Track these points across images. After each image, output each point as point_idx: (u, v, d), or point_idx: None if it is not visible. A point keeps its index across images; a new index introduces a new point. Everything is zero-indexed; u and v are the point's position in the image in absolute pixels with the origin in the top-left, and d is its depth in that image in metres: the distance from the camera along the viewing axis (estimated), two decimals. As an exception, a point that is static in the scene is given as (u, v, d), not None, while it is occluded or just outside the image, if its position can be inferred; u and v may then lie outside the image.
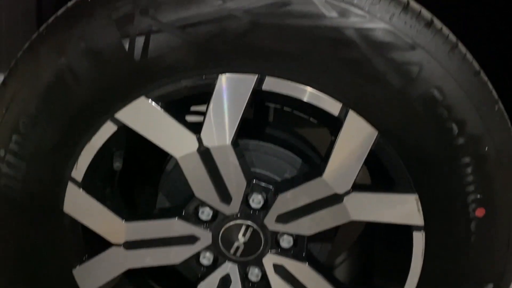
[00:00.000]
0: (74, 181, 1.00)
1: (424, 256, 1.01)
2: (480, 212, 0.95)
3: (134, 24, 0.86)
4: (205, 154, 0.97)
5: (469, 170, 0.92)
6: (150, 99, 0.94)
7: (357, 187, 0.99)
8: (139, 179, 1.24)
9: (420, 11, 0.87)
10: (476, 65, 0.91)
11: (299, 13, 0.85)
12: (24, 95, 0.94)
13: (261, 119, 1.22)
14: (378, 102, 0.90)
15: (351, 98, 0.90)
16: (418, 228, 0.99)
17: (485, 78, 0.91)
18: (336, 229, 1.19)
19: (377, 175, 1.07)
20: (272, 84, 0.92)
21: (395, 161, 0.95)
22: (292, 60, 0.88)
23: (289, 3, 0.84)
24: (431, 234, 0.99)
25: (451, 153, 0.92)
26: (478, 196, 0.94)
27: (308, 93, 0.92)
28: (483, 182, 0.94)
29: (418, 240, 1.00)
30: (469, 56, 0.90)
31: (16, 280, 1.09)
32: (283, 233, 1.05)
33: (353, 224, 1.21)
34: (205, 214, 1.05)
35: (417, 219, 0.98)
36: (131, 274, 1.20)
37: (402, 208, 0.98)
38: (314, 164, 1.11)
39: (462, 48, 0.89)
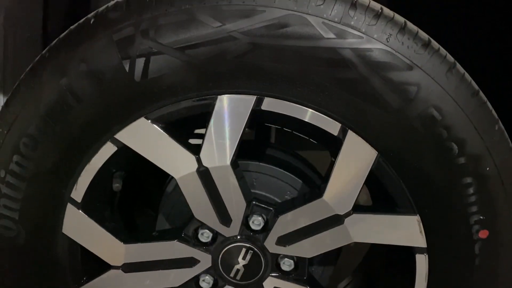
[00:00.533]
0: (74, 202, 1.00)
1: (428, 279, 0.99)
2: (483, 234, 0.93)
3: (134, 46, 0.88)
4: (204, 174, 0.97)
5: (471, 190, 0.91)
6: (150, 120, 0.94)
7: (358, 208, 0.98)
8: (139, 200, 1.23)
9: (417, 32, 0.88)
10: (474, 85, 0.91)
11: (297, 35, 0.86)
12: (25, 116, 0.95)
13: (262, 141, 1.22)
14: (376, 122, 0.90)
15: (350, 118, 0.90)
16: (420, 250, 0.98)
17: (484, 98, 0.91)
18: (338, 252, 1.17)
19: (378, 196, 1.06)
20: (271, 104, 0.92)
21: (396, 182, 0.94)
22: (291, 81, 0.89)
23: (287, 25, 0.86)
24: (435, 257, 0.97)
25: (452, 173, 0.91)
26: (481, 217, 0.93)
27: (307, 113, 0.92)
28: (486, 202, 0.92)
29: (421, 262, 0.98)
30: (467, 76, 0.90)
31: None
32: (284, 256, 1.04)
33: (356, 248, 1.19)
34: (205, 236, 1.04)
35: (420, 241, 0.97)
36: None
37: (404, 230, 0.97)
38: (315, 185, 1.10)
39: (460, 68, 0.90)
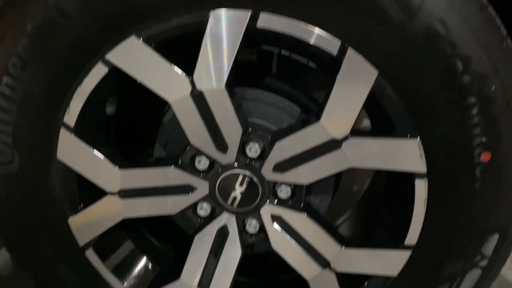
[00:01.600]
0: (67, 126, 0.98)
1: (427, 205, 0.97)
2: (485, 157, 0.90)
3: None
4: (198, 98, 0.94)
5: (474, 111, 0.88)
6: (141, 39, 0.91)
7: (356, 132, 0.95)
8: (135, 129, 1.22)
9: None
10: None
11: None
12: (12, 36, 0.92)
13: (261, 68, 1.17)
14: (378, 38, 0.85)
15: (350, 34, 0.86)
16: (420, 175, 0.95)
17: (493, 13, 0.86)
18: (336, 183, 1.16)
19: (377, 120, 1.03)
20: (266, 21, 0.88)
21: (396, 104, 0.91)
22: (287, -6, 0.84)
23: None
24: (434, 182, 0.95)
25: (455, 92, 0.87)
26: (484, 139, 0.89)
27: (304, 30, 0.88)
28: (489, 124, 0.89)
29: (421, 188, 0.96)
30: (476, -11, 0.84)
31: (10, 229, 1.09)
32: (281, 183, 1.03)
33: (356, 182, 1.17)
34: (202, 163, 1.02)
35: (419, 165, 0.94)
36: (129, 228, 1.19)
37: (404, 154, 0.94)
38: (313, 113, 1.07)
39: (468, -20, 0.84)
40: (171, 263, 1.21)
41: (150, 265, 1.20)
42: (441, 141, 0.92)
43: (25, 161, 1.01)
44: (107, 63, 0.93)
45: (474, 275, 1.01)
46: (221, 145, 0.99)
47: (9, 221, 1.09)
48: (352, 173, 1.45)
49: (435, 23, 0.83)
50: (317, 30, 0.87)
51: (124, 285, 1.13)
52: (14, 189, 1.04)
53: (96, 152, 1.00)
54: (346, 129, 0.93)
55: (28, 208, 1.07)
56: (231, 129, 0.98)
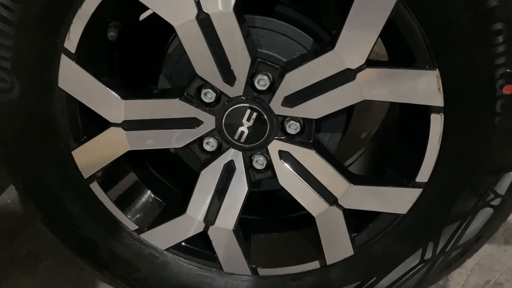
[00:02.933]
0: (68, 53, 0.94)
1: (442, 141, 0.93)
2: (508, 89, 0.85)
3: None
4: (205, 22, 0.88)
5: (500, 39, 0.82)
6: (143, -44, 0.84)
7: (372, 62, 0.90)
8: (139, 59, 1.17)
9: None
10: None
11: None
12: (6, -51, 0.85)
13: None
14: (399, -43, 0.78)
15: (370, -48, 0.79)
16: (437, 109, 0.91)
17: None
18: (347, 120, 1.12)
19: (394, 50, 0.97)
20: None
21: (415, 31, 0.85)
22: None
23: None
24: (451, 116, 0.91)
25: (480, 17, 0.80)
26: (508, 70, 0.84)
27: None
28: (515, 54, 0.83)
29: (436, 123, 0.92)
30: None
31: (15, 159, 1.07)
32: (290, 119, 0.99)
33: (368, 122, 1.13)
34: (208, 96, 0.98)
35: (437, 99, 0.89)
36: (134, 162, 1.17)
37: (421, 86, 0.89)
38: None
39: None
40: (177, 198, 1.20)
41: (155, 199, 1.19)
42: (461, 72, 0.86)
43: (25, 89, 0.98)
44: (108, -18, 0.87)
45: (485, 213, 0.98)
46: (229, 76, 0.95)
47: (12, 151, 1.07)
48: (364, 111, 1.41)
49: None
50: None
51: (129, 218, 1.13)
52: (16, 117, 1.01)
53: (99, 81, 0.96)
54: (362, 59, 0.88)
55: (30, 138, 1.04)
56: (239, 59, 0.93)
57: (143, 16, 1.10)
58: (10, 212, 1.69)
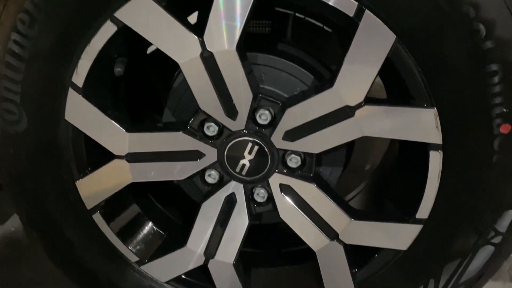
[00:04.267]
0: (75, 87, 0.97)
1: (441, 178, 0.94)
2: (505, 129, 0.87)
3: None
4: (208, 60, 0.91)
5: (496, 79, 0.84)
6: (151, -3, 0.88)
7: (370, 100, 0.91)
8: (145, 93, 1.20)
9: None
10: (512, -41, 0.80)
11: None
12: (20, -11, 0.90)
13: (274, 34, 1.14)
14: (396, 0, 0.81)
15: (367, -5, 0.82)
16: (435, 146, 0.92)
17: (522, -25, 0.81)
18: (348, 154, 1.13)
19: (392, 88, 0.99)
20: (281, -21, 0.84)
21: (413, 71, 0.87)
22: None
23: None
24: (450, 154, 0.92)
25: (477, 59, 0.83)
26: (505, 110, 0.85)
27: (319, -10, 0.84)
28: (511, 94, 0.84)
29: (435, 160, 0.93)
30: None
31: (19, 189, 1.09)
32: (291, 153, 1.00)
33: (369, 157, 1.14)
34: (211, 129, 1.00)
35: (435, 136, 0.91)
36: (137, 194, 1.19)
37: (419, 124, 0.90)
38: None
39: None
40: (177, 230, 1.21)
41: (156, 231, 1.19)
42: (459, 111, 0.88)
43: (33, 121, 1.00)
44: (116, 21, 0.91)
45: (486, 251, 0.98)
46: (231, 111, 0.97)
47: (17, 182, 1.09)
48: (364, 146, 1.42)
49: (458, -17, 0.78)
50: (333, -10, 0.83)
51: (130, 249, 1.13)
52: (22, 149, 1.04)
53: (104, 114, 0.99)
54: (360, 96, 0.90)
55: (36, 169, 1.06)
56: (242, 94, 0.95)
57: (150, 49, 1.14)
58: (13, 240, 1.70)
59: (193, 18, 1.12)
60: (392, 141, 1.33)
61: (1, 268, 1.55)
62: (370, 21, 0.84)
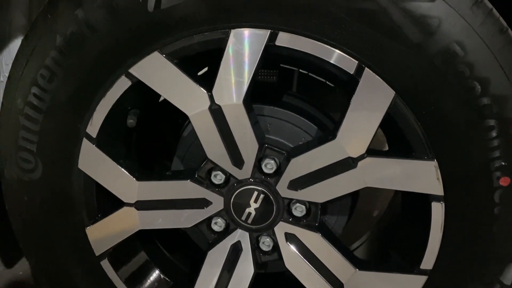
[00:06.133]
0: (89, 137, 1.02)
1: (444, 229, 0.95)
2: (505, 181, 0.89)
3: (148, -25, 0.87)
4: (217, 113, 0.96)
5: (493, 134, 0.87)
6: (164, 55, 0.94)
7: (372, 152, 0.94)
8: (155, 142, 1.24)
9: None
10: (503, 22, 0.85)
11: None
12: (42, 47, 0.96)
13: (280, 87, 1.19)
14: (395, 59, 0.86)
15: (367, 54, 0.87)
16: (437, 198, 0.94)
17: (513, 36, 0.85)
18: (353, 203, 1.15)
19: (394, 141, 1.02)
20: (285, 40, 0.90)
21: (413, 125, 0.91)
22: (305, 13, 0.86)
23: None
24: (451, 205, 0.93)
25: (474, 115, 0.86)
26: (503, 163, 0.88)
27: (322, 49, 0.89)
28: (509, 148, 0.87)
29: (437, 211, 0.95)
30: (495, 12, 0.85)
31: (30, 235, 1.12)
32: (296, 202, 1.03)
33: (374, 205, 1.16)
34: (218, 178, 1.03)
35: (436, 188, 0.93)
36: (144, 240, 1.20)
37: (420, 176, 0.93)
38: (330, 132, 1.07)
39: (487, 3, 0.84)
40: (184, 277, 1.21)
41: (163, 279, 1.20)
42: (458, 164, 0.90)
43: (47, 169, 1.04)
44: (130, 76, 0.96)
45: (493, 304, 0.97)
46: (238, 160, 1.00)
47: (29, 227, 1.12)
48: (369, 195, 1.44)
49: (453, 44, 0.83)
50: (334, 50, 0.88)
51: (137, 297, 1.14)
52: (36, 196, 1.07)
53: (115, 163, 1.03)
54: (362, 148, 0.93)
55: (48, 215, 1.09)
56: (248, 145, 0.99)
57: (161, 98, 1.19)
58: (20, 284, 1.70)
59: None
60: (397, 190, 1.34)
61: (7, 313, 1.54)
62: (369, 78, 0.89)
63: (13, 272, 1.74)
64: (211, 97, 0.95)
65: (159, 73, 0.95)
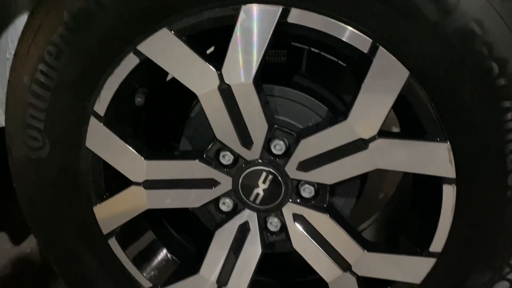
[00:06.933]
0: (97, 115, 1.01)
1: (455, 212, 0.94)
2: (519, 164, 0.87)
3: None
4: (226, 92, 0.94)
5: (509, 116, 0.85)
6: (172, 31, 0.92)
7: (384, 133, 0.93)
8: (163, 121, 1.23)
9: None
10: (523, -1, 0.82)
11: None
12: (49, 24, 0.94)
13: (290, 67, 1.17)
14: (411, 38, 0.83)
15: (382, 32, 0.85)
16: (449, 180, 0.92)
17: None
18: (362, 185, 1.14)
19: (406, 122, 1.00)
20: (297, 16, 0.87)
21: (427, 106, 0.89)
22: (319, -11, 0.83)
23: None
24: (463, 188, 0.92)
25: (490, 96, 0.84)
26: (518, 146, 0.86)
27: (334, 27, 0.87)
28: (525, 130, 0.85)
29: (449, 194, 0.94)
30: (516, -11, 0.82)
31: (38, 213, 1.12)
32: (305, 183, 1.02)
33: (382, 187, 1.15)
34: (226, 158, 1.03)
35: (449, 170, 0.91)
36: (152, 220, 1.21)
37: (433, 158, 0.91)
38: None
39: (508, -21, 0.81)
40: (192, 257, 1.22)
41: (170, 258, 1.20)
42: (472, 146, 0.89)
43: (55, 148, 1.04)
44: (138, 54, 0.95)
45: (501, 287, 0.97)
46: (246, 140, 0.99)
47: (37, 206, 1.12)
48: (379, 176, 1.43)
49: (471, 23, 0.81)
50: (348, 27, 0.86)
51: (144, 275, 1.14)
52: (44, 174, 1.07)
53: (123, 142, 1.02)
54: (374, 130, 0.92)
55: (55, 194, 1.09)
56: (257, 125, 0.97)
57: (169, 77, 1.17)
58: (28, 262, 1.72)
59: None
60: (406, 172, 1.33)
61: (16, 290, 1.57)
62: (384, 57, 0.86)
63: (20, 249, 1.76)
64: (220, 76, 0.93)
65: (167, 50, 0.93)
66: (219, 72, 0.93)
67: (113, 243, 1.12)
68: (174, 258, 1.20)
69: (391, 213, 1.30)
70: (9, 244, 1.79)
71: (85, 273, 1.15)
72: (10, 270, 1.69)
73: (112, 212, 1.09)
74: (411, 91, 0.88)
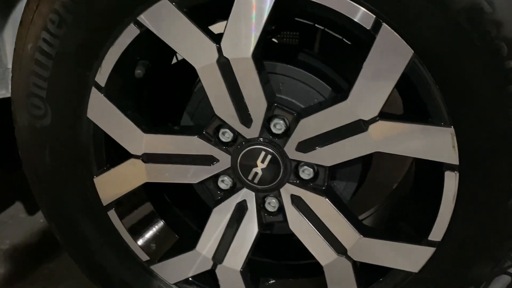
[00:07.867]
0: (98, 86, 1.01)
1: (456, 200, 0.91)
2: (526, 153, 0.82)
3: None
4: (225, 66, 0.93)
5: (517, 100, 0.80)
6: (173, 3, 0.91)
7: (385, 115, 0.89)
8: (165, 96, 1.23)
9: None
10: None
11: None
12: (52, -9, 0.94)
13: (295, 45, 1.14)
14: (416, 15, 0.79)
15: (386, 9, 0.81)
16: (451, 167, 0.89)
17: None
18: (365, 171, 1.11)
19: (409, 104, 0.96)
20: (299, -11, 0.85)
21: (431, 88, 0.85)
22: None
23: None
24: (466, 175, 0.88)
25: (498, 78, 0.79)
26: (526, 133, 0.81)
27: (338, 1, 0.83)
28: (534, 116, 0.81)
29: (451, 181, 0.90)
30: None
31: (42, 186, 1.14)
32: (304, 164, 1.00)
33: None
34: (226, 135, 1.01)
35: (451, 156, 0.87)
36: (152, 193, 1.21)
37: (435, 143, 0.88)
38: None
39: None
40: (190, 232, 1.22)
41: (169, 233, 1.21)
42: (477, 132, 0.85)
43: (57, 116, 1.05)
44: (139, 24, 0.94)
45: (502, 281, 0.93)
46: (246, 118, 0.98)
47: (40, 175, 1.14)
48: (387, 162, 1.39)
49: (480, 0, 0.76)
50: (351, 2, 0.83)
51: (141, 247, 1.15)
52: (46, 143, 1.08)
53: (123, 114, 1.02)
54: (375, 111, 0.88)
55: (57, 164, 1.11)
56: (256, 103, 0.96)
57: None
58: (41, 232, 1.77)
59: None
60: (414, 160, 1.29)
61: (30, 259, 1.61)
62: (387, 34, 0.83)
63: (34, 219, 1.81)
64: (219, 49, 0.92)
65: (167, 21, 0.92)
66: (218, 46, 0.91)
67: (112, 215, 1.13)
68: (173, 232, 1.21)
69: (394, 201, 1.26)
70: (24, 214, 1.84)
71: (84, 243, 1.17)
72: (25, 238, 1.74)
73: (112, 184, 1.10)
74: (415, 71, 0.84)
